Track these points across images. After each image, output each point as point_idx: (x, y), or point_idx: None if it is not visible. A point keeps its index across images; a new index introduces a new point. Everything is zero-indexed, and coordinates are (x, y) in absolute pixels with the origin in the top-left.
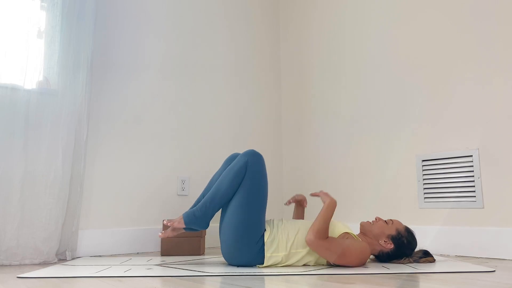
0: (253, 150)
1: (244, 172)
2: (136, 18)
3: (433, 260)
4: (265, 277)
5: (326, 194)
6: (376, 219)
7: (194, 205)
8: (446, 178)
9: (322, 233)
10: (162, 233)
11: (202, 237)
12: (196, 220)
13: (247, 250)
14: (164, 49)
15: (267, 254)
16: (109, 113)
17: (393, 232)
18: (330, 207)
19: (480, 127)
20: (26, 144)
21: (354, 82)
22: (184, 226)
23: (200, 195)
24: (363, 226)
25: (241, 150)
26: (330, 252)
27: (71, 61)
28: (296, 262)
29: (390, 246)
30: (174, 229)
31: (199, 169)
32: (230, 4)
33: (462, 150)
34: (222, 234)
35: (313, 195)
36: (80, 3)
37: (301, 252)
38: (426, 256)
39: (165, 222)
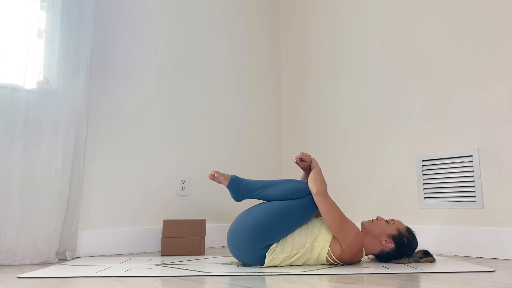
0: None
1: (306, 195)
2: (135, 18)
3: (433, 260)
4: (265, 277)
5: (316, 161)
6: (377, 218)
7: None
8: (446, 178)
9: (326, 187)
10: (214, 171)
11: (202, 237)
12: (238, 186)
13: (251, 251)
14: (163, 49)
15: (268, 257)
16: (108, 113)
17: (394, 231)
18: (320, 171)
19: (480, 127)
20: (26, 144)
21: (354, 82)
22: (227, 184)
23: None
24: (364, 225)
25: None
26: (332, 208)
27: (71, 61)
28: (296, 261)
29: (390, 245)
30: (220, 178)
31: (199, 169)
32: (229, 4)
33: (462, 150)
34: (236, 227)
35: (300, 158)
36: (80, 3)
37: (301, 251)
38: (426, 256)
39: (213, 172)
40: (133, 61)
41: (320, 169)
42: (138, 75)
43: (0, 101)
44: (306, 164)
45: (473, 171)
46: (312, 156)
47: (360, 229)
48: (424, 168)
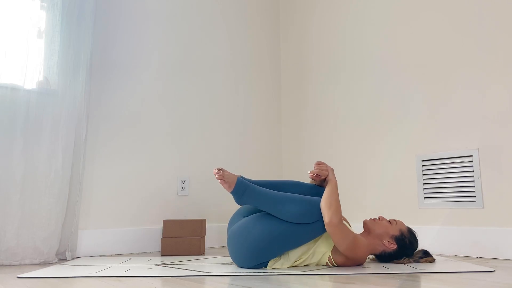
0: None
1: (317, 220)
2: (135, 18)
3: (433, 260)
4: (265, 277)
5: (332, 171)
6: (379, 218)
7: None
8: (446, 178)
9: (340, 214)
10: (218, 170)
11: (202, 237)
12: (242, 195)
13: (253, 263)
14: (163, 49)
15: (271, 266)
16: (108, 113)
17: (396, 232)
18: (336, 187)
19: (480, 127)
20: (26, 144)
21: (354, 82)
22: (231, 191)
23: (254, 180)
24: (366, 224)
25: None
26: (344, 237)
27: (71, 61)
28: (298, 264)
29: (393, 246)
30: (224, 186)
31: (199, 169)
32: (229, 4)
33: (462, 150)
34: (236, 235)
35: (315, 173)
36: (80, 3)
37: (303, 258)
38: (426, 256)
39: (218, 176)
40: (133, 61)
41: (336, 184)
42: (138, 75)
43: (0, 101)
44: (322, 179)
45: (473, 171)
46: (328, 165)
47: (362, 228)
48: (424, 168)
